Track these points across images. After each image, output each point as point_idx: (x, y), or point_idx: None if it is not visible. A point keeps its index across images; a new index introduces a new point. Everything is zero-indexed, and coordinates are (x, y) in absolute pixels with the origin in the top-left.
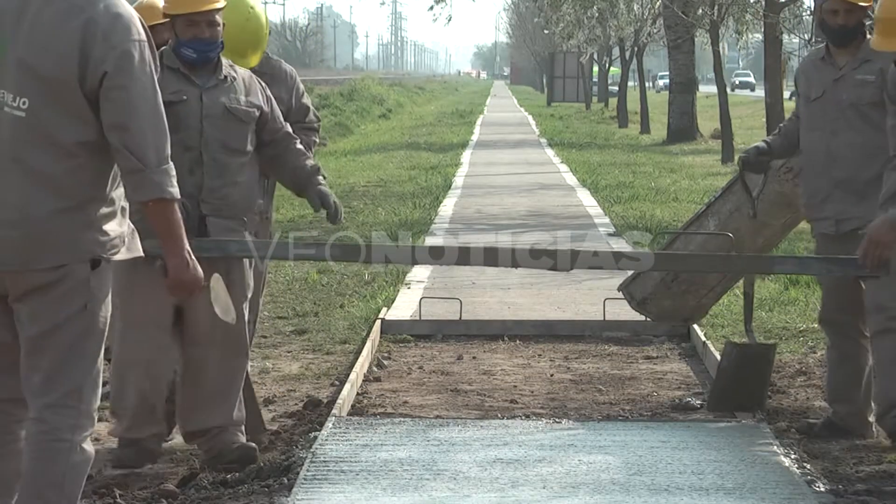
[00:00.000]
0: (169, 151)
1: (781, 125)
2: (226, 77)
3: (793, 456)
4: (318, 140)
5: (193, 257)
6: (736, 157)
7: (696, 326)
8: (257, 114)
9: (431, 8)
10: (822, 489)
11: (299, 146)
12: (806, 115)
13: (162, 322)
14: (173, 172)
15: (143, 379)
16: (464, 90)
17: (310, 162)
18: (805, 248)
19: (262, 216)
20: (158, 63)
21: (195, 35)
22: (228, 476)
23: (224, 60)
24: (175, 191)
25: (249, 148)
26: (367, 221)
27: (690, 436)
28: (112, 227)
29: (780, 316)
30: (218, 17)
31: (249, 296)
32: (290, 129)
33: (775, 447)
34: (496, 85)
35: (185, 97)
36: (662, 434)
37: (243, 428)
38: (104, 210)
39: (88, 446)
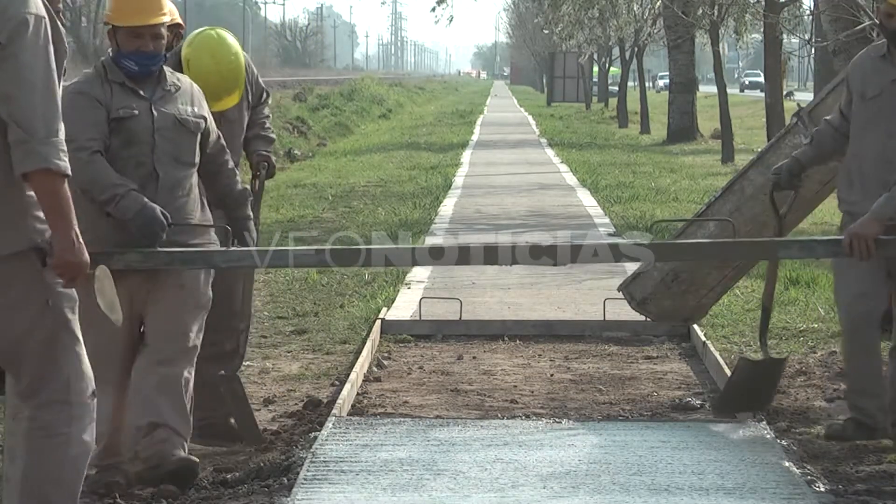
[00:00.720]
0: (60, 126)
1: (814, 130)
2: (171, 87)
3: (793, 456)
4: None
5: (81, 239)
6: (736, 158)
7: (696, 326)
8: (204, 124)
9: (434, 9)
10: (822, 489)
11: (231, 165)
12: (860, 115)
13: (130, 340)
14: (64, 147)
15: (116, 401)
16: (464, 90)
17: (239, 186)
18: None
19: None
20: (65, 46)
21: (139, 48)
22: (228, 476)
23: (166, 68)
24: (64, 165)
25: (196, 160)
26: (367, 221)
27: (690, 436)
28: None
29: (780, 316)
30: (163, 30)
31: (207, 305)
32: (223, 142)
33: (775, 447)
34: (496, 85)
35: (136, 111)
36: (662, 434)
37: (185, 443)
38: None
39: (88, 436)
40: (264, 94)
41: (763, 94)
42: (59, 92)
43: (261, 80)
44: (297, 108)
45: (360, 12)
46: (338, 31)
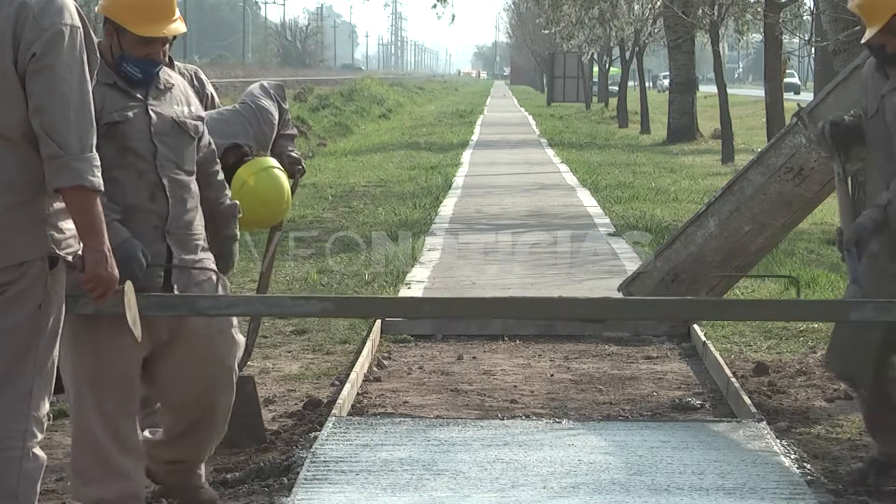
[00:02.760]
0: (94, 141)
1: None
2: (164, 84)
3: (793, 456)
4: None
5: (112, 255)
6: (736, 158)
7: (696, 326)
8: (202, 126)
9: (435, 6)
10: (822, 489)
11: (221, 177)
12: (866, 131)
13: (128, 380)
14: (97, 163)
15: (111, 442)
16: (464, 90)
17: (228, 201)
18: (805, 247)
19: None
20: (98, 56)
21: (148, 55)
22: (228, 476)
23: None
24: (97, 181)
25: (194, 167)
26: (367, 221)
27: (690, 436)
28: (67, 225)
29: None
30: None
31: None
32: (214, 146)
33: (775, 447)
34: (496, 85)
35: (129, 114)
36: (662, 434)
37: (203, 467)
38: (57, 205)
39: (39, 452)
40: (286, 115)
41: (795, 96)
42: (93, 103)
43: (284, 106)
44: (297, 108)
45: (359, 12)
46: (338, 31)
